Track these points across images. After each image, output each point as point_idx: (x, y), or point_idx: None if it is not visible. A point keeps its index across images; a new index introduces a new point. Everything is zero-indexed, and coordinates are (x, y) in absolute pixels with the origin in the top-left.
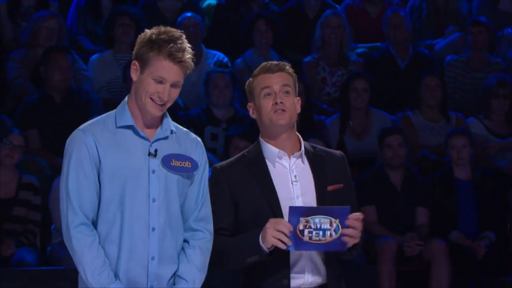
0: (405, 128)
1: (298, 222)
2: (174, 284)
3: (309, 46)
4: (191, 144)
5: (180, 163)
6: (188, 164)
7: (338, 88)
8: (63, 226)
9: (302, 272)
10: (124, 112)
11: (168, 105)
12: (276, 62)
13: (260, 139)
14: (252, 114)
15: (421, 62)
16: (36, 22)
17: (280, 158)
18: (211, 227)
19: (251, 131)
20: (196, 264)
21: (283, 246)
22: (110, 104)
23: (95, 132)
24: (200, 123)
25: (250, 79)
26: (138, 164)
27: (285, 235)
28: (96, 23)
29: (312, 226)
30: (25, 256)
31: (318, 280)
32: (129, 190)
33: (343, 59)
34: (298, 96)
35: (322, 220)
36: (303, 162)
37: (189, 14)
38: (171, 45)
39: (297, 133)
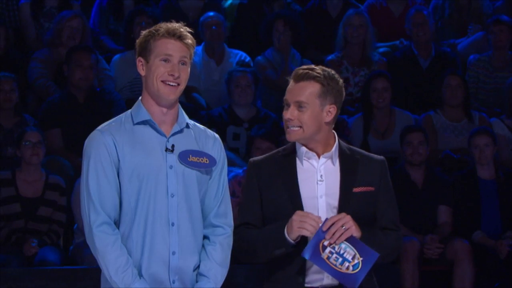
0: (427, 129)
1: (326, 237)
2: (196, 281)
3: (331, 45)
4: (209, 141)
5: (198, 159)
6: (206, 160)
7: (361, 88)
8: (85, 226)
9: (320, 273)
10: (139, 109)
11: (181, 87)
12: (302, 71)
13: None
14: None
15: (444, 62)
16: (59, 21)
17: (309, 158)
18: (231, 222)
19: (273, 132)
20: (216, 260)
21: (307, 233)
22: (133, 104)
23: (113, 132)
24: (222, 122)
25: None
26: (156, 160)
27: (312, 225)
28: (119, 23)
29: (336, 249)
30: (48, 255)
31: (337, 283)
32: (148, 186)
33: (366, 59)
34: (332, 103)
35: (348, 249)
36: (333, 162)
37: (211, 13)
38: (168, 26)
39: (333, 132)
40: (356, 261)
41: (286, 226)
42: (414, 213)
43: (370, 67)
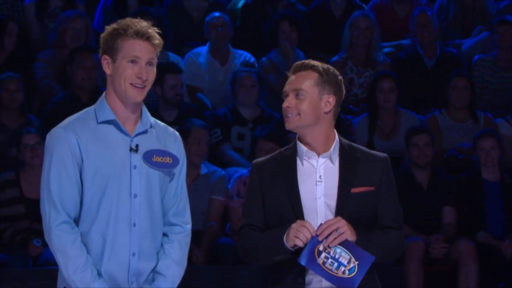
0: (432, 129)
1: (321, 242)
2: (153, 280)
3: (335, 46)
4: (170, 139)
5: (162, 159)
6: (169, 160)
7: (365, 89)
8: (44, 225)
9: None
10: (103, 107)
11: (148, 88)
12: (300, 63)
13: (297, 138)
14: None
15: (449, 62)
16: (62, 22)
17: (309, 157)
18: (188, 219)
19: (276, 132)
20: (174, 259)
21: (300, 243)
22: None
23: (76, 130)
24: (227, 122)
25: None
26: (120, 160)
27: (305, 236)
28: None
29: (331, 254)
30: (52, 255)
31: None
32: (111, 186)
33: (371, 60)
34: (331, 94)
35: (343, 254)
36: (332, 162)
37: (217, 14)
38: (135, 25)
39: (334, 131)
40: (352, 265)
41: (286, 233)
42: (419, 214)
43: (375, 68)
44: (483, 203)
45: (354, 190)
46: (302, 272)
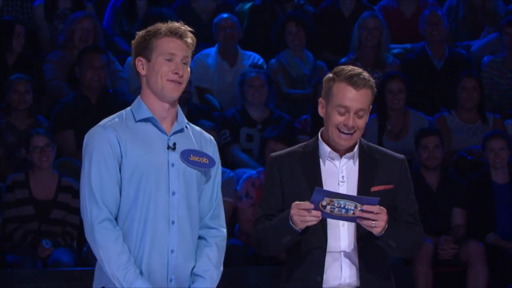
0: (441, 130)
1: (322, 199)
2: (192, 282)
3: (345, 46)
4: (206, 143)
5: (199, 159)
6: (206, 160)
7: None
8: (85, 222)
9: (338, 272)
10: (140, 107)
11: (183, 85)
12: (363, 76)
13: (319, 136)
14: (320, 110)
15: (458, 63)
16: (70, 23)
17: (332, 158)
18: (224, 223)
19: (286, 133)
20: (213, 262)
21: (315, 221)
22: None
23: (116, 128)
24: (236, 124)
25: (334, 76)
26: (158, 158)
27: (314, 217)
28: (132, 24)
29: (336, 205)
30: (62, 256)
31: (355, 283)
32: (150, 184)
33: (380, 61)
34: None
35: (347, 203)
36: (354, 163)
37: (225, 15)
38: (168, 25)
39: None
40: (359, 208)
41: (289, 215)
42: (428, 215)
43: (384, 69)
44: (492, 204)
45: (374, 188)
46: (320, 270)
